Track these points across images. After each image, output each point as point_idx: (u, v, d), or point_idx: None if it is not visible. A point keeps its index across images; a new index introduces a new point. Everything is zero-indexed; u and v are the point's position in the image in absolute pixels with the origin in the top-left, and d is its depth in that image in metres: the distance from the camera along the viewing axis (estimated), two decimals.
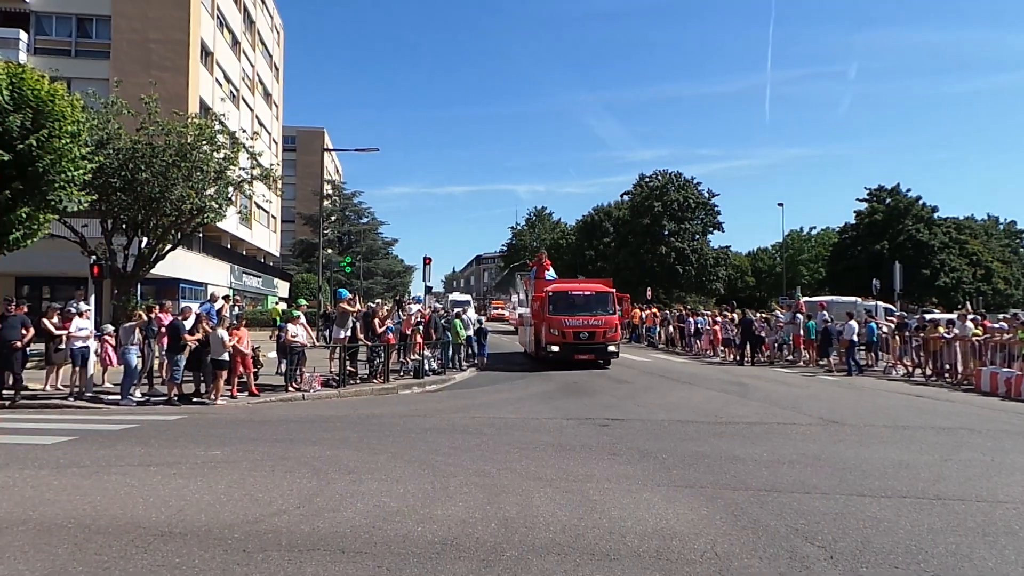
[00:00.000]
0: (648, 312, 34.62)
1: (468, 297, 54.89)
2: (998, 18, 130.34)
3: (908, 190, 57.33)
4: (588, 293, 21.10)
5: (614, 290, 21.60)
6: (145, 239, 20.10)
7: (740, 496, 6.25)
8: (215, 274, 36.01)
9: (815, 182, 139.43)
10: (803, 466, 7.57)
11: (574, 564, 4.52)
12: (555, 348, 19.91)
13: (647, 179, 62.77)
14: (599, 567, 4.48)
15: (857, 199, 59.80)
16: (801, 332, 21.84)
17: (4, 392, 12.46)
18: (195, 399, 13.02)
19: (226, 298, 16.25)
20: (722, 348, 24.93)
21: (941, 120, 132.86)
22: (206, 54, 36.49)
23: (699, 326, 26.91)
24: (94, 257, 18.06)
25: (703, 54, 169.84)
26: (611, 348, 20.23)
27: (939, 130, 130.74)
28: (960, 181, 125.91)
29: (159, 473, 7.02)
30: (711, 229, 62.24)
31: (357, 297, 19.19)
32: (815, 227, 77.55)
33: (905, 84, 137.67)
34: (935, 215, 56.82)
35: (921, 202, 56.87)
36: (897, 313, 24.92)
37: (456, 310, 24.18)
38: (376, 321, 16.13)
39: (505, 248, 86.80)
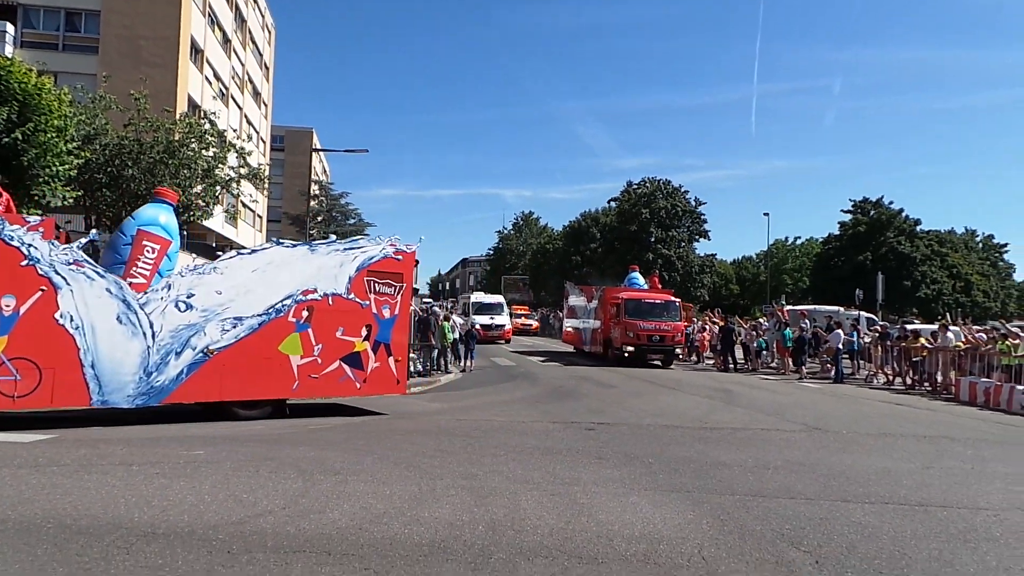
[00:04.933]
0: None
1: (500, 299, 39.74)
2: (980, 38, 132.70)
3: (891, 203, 58.11)
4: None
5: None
6: None
7: (726, 501, 6.28)
8: None
9: (800, 193, 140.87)
10: (788, 472, 7.63)
11: (562, 567, 4.51)
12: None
13: (635, 186, 63.05)
14: (587, 570, 4.48)
15: (841, 211, 60.43)
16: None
17: None
18: None
19: None
20: (709, 354, 25.11)
21: (923, 136, 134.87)
22: (196, 52, 36.23)
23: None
24: None
25: (691, 66, 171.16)
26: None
27: (921, 145, 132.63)
28: (941, 195, 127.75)
29: (141, 473, 6.93)
30: (697, 237, 62.61)
31: None
32: (799, 237, 78.24)
33: (888, 100, 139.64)
34: (917, 228, 57.53)
35: (904, 215, 57.59)
36: (880, 323, 25.17)
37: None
38: None
39: (492, 252, 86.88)
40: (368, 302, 11.36)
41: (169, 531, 5.07)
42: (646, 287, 26.93)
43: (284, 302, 10.65)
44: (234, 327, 10.31)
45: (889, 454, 9.01)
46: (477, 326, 31.62)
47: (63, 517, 5.38)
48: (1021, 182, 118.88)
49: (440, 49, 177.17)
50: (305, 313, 10.79)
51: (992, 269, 68.17)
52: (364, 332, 11.32)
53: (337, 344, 11.03)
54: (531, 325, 45.95)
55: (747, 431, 10.65)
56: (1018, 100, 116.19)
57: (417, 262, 12.85)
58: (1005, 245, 75.21)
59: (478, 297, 39.89)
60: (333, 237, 12.11)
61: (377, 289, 11.46)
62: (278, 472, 7.03)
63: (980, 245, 73.56)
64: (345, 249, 11.41)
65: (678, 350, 23.67)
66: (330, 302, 10.99)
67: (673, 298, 24.85)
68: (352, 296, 11.21)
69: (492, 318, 34.84)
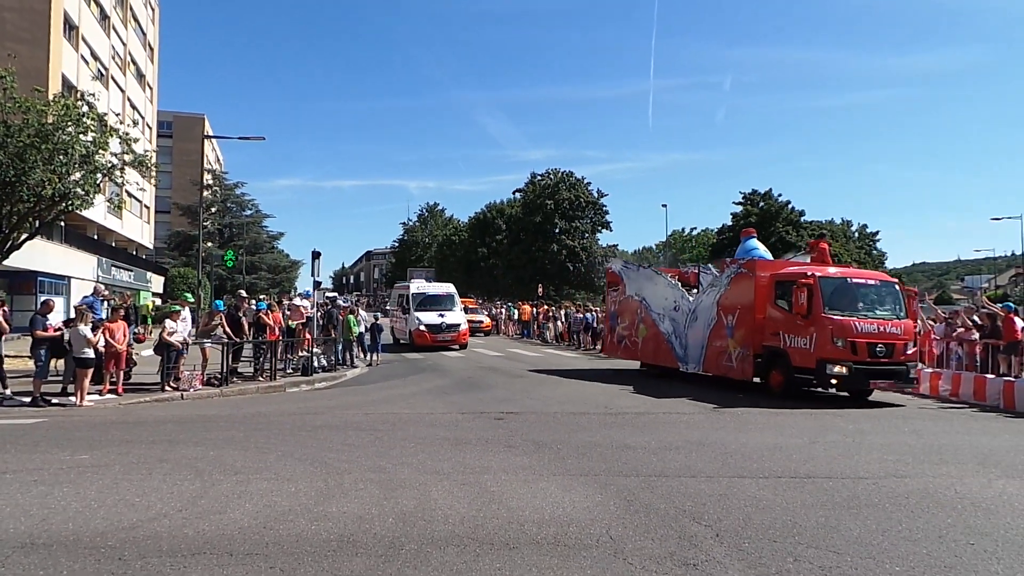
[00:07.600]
0: (540, 309, 35.18)
1: (450, 289, 29.09)
2: (858, 41, 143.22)
3: (779, 195, 61.55)
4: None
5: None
6: None
7: (631, 482, 6.47)
8: (79, 267, 33.26)
9: (695, 185, 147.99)
10: (688, 452, 7.96)
11: (474, 555, 4.51)
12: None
13: (539, 177, 63.85)
14: (498, 556, 4.49)
15: (733, 202, 63.49)
16: None
17: None
18: (55, 401, 11.93)
19: (95, 291, 14.97)
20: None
21: (805, 132, 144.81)
22: (70, 28, 33.58)
23: (588, 322, 27.64)
24: None
25: (592, 60, 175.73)
26: (912, 373, 13.36)
27: (803, 141, 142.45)
28: (820, 187, 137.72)
29: (17, 481, 6.39)
30: (600, 228, 64.19)
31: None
32: (695, 227, 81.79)
33: (774, 98, 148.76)
34: (802, 218, 61.28)
35: (791, 206, 61.17)
36: None
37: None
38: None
39: (396, 244, 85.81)
40: None
41: (51, 540, 4.71)
42: (770, 258, 16.71)
43: None
44: None
45: (780, 432, 9.57)
46: (421, 327, 25.08)
47: None
48: (890, 175, 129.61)
49: (339, 35, 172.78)
50: None
51: (867, 257, 73.51)
52: None
53: None
54: (481, 322, 34.36)
55: (650, 415, 11.03)
56: (887, 101, 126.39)
57: (319, 254, 12.33)
58: (876, 233, 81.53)
59: (419, 286, 28.52)
60: None
61: None
62: (173, 474, 6.67)
63: (856, 234, 79.23)
64: None
65: (912, 371, 13.35)
66: None
67: (891, 279, 14.57)
68: None
69: (442, 315, 25.72)
